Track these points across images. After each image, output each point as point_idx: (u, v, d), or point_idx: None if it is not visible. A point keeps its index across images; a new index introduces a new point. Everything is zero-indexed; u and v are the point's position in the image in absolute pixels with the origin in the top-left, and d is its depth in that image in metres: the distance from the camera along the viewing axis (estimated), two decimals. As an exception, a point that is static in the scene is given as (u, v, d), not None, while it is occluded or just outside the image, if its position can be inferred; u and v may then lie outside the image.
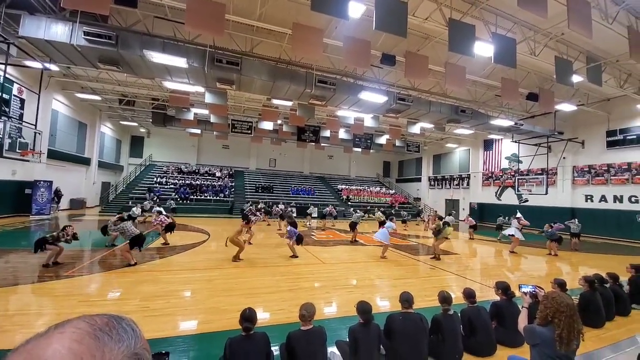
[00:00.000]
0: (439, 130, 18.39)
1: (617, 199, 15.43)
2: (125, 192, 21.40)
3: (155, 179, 22.96)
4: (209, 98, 11.73)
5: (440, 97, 13.81)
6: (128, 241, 6.66)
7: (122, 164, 26.33)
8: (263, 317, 4.21)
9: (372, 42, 8.35)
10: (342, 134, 19.85)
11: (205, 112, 16.31)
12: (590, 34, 7.13)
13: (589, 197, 16.77)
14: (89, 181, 20.49)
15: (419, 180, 30.88)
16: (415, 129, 16.03)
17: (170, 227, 9.50)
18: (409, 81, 12.56)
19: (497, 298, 3.85)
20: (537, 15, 6.84)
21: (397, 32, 6.84)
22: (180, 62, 8.56)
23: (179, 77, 10.10)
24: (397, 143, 21.65)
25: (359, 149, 21.76)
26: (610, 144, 15.84)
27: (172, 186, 22.40)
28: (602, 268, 7.67)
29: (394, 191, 31.03)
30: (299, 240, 8.24)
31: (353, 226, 11.75)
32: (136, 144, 27.16)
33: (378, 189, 30.15)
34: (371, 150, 23.18)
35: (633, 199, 14.79)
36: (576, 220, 12.23)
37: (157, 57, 8.34)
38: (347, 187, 28.88)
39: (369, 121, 15.62)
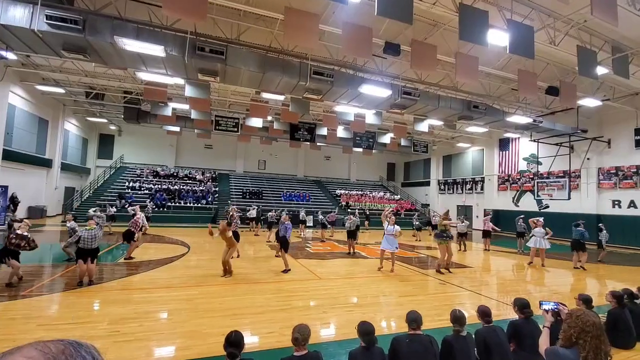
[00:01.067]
0: (449, 128, 18.56)
1: (648, 204, 15.68)
2: (92, 198, 21.19)
3: (127, 184, 22.78)
4: (189, 91, 11.71)
5: (451, 91, 13.96)
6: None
7: (89, 167, 26.09)
8: (251, 341, 4.19)
9: (374, 30, 8.43)
10: (341, 132, 19.92)
11: (186, 107, 16.28)
12: (616, 21, 7.29)
13: (616, 202, 17.01)
14: (50, 186, 20.23)
15: (428, 184, 31.08)
16: (423, 126, 16.16)
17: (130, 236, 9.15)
18: (416, 73, 12.69)
19: (516, 317, 3.87)
20: (558, 0, 6.98)
21: (402, 18, 6.93)
22: (157, 50, 8.54)
23: (155, 68, 10.07)
24: (403, 142, 21.79)
25: (360, 149, 21.85)
26: (640, 143, 16.15)
27: (147, 191, 22.24)
28: (631, 282, 7.77)
29: (399, 197, 31.17)
30: (284, 245, 8.27)
31: (351, 235, 11.72)
32: (105, 144, 26.95)
33: (382, 194, 30.27)
34: (373, 151, 23.28)
35: (665, 204, 15.06)
36: (603, 227, 12.26)
37: (130, 45, 8.31)
38: (346, 192, 28.95)
39: (370, 118, 15.71)
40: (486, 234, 14.06)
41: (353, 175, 34.10)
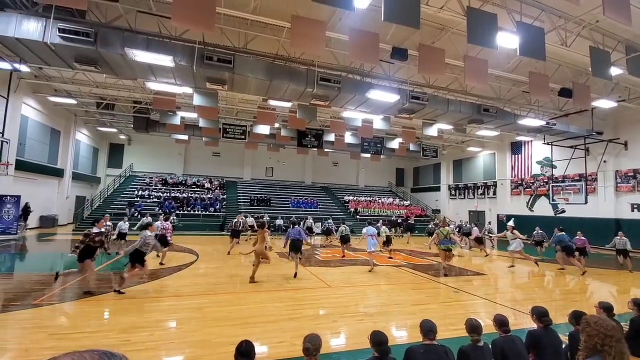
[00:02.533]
0: (459, 132, 18.43)
1: (670, 208, 15.21)
2: (102, 207, 21.56)
3: (136, 192, 23.14)
4: (197, 100, 11.93)
5: (460, 95, 13.89)
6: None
7: (100, 176, 26.64)
8: (261, 351, 4.16)
9: (381, 35, 8.49)
10: (349, 138, 19.96)
11: (194, 115, 16.57)
12: (629, 21, 7.19)
13: (635, 206, 16.55)
14: (62, 195, 20.70)
15: (438, 189, 30.76)
16: (432, 130, 16.07)
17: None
18: (424, 77, 12.68)
19: (534, 326, 3.77)
20: (569, 1, 6.93)
21: (409, 22, 6.96)
22: (166, 60, 8.75)
23: (164, 77, 10.31)
24: (412, 147, 21.70)
25: (368, 155, 21.83)
26: (658, 145, 15.74)
27: (156, 199, 22.55)
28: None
29: (409, 202, 30.91)
30: (295, 249, 8.61)
31: (344, 240, 12.33)
32: (115, 153, 27.54)
33: (391, 200, 30.09)
34: (382, 156, 23.24)
35: (688, 208, 14.58)
36: (621, 233, 11.87)
37: (141, 56, 8.54)
38: (354, 198, 28.85)
39: (378, 123, 15.71)
40: (478, 240, 14.41)
41: (361, 181, 34.01)
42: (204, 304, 6.14)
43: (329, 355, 4.05)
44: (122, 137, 26.96)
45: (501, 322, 3.43)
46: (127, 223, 11.94)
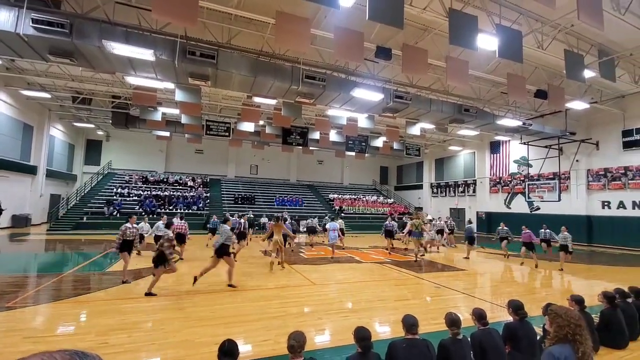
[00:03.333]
0: (441, 132, 18.81)
1: (637, 204, 16.06)
2: (79, 205, 20.79)
3: (115, 190, 22.42)
4: (179, 96, 11.65)
5: (442, 95, 14.18)
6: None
7: (76, 173, 25.62)
8: (245, 349, 4.13)
9: (365, 34, 8.54)
10: (334, 136, 20.01)
11: (176, 111, 16.16)
12: (602, 26, 7.52)
13: (605, 203, 17.39)
14: (35, 194, 19.79)
15: (421, 187, 31.34)
16: (415, 130, 16.34)
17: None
18: (407, 77, 12.86)
19: (511, 319, 3.91)
20: (545, 5, 7.18)
21: (393, 22, 7.04)
22: (146, 54, 8.49)
23: (144, 72, 10.00)
24: (395, 146, 21.98)
25: (353, 153, 21.96)
26: (627, 145, 16.56)
27: (136, 198, 21.92)
28: (621, 282, 7.91)
29: (392, 200, 31.34)
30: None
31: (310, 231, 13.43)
32: (93, 150, 26.54)
33: (375, 197, 30.40)
34: (366, 155, 23.43)
35: (653, 205, 15.43)
36: (564, 228, 10.95)
37: (119, 49, 8.24)
38: (339, 196, 28.98)
39: (363, 121, 15.83)
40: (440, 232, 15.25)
41: (346, 179, 34.20)
42: (186, 304, 6.03)
43: (314, 352, 4.06)
44: (100, 133, 26.00)
45: (479, 316, 3.54)
46: (147, 224, 11.79)
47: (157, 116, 16.24)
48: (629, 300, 5.06)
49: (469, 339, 3.41)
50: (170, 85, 12.17)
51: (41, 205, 20.70)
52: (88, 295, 6.38)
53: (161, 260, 6.47)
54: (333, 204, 27.42)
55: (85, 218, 19.18)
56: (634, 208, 16.17)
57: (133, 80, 11.25)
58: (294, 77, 10.41)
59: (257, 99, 13.15)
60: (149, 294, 6.41)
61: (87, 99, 16.91)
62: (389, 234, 13.70)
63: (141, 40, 8.53)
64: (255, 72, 9.91)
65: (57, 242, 14.17)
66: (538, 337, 3.83)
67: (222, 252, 7.15)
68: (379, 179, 36.18)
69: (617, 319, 4.52)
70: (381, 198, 30.98)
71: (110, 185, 23.32)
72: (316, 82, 10.52)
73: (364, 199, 29.37)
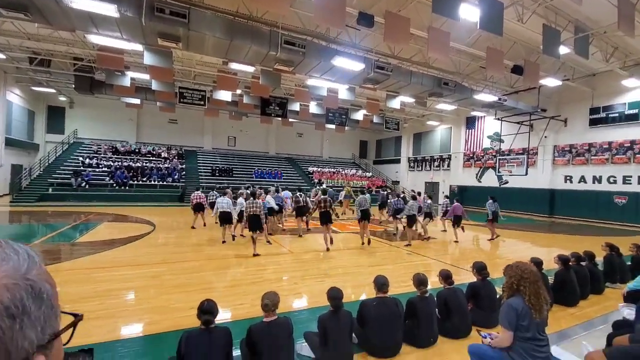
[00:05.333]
0: (420, 106, 18.89)
1: (597, 179, 17.14)
2: (43, 176, 19.65)
3: (82, 160, 21.28)
4: (148, 59, 10.87)
5: (422, 68, 14.08)
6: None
7: (38, 142, 23.96)
8: (222, 314, 4.17)
9: (347, -2, 8.18)
10: (314, 108, 19.64)
11: (146, 77, 15.16)
12: (580, 0, 7.57)
13: (568, 177, 18.45)
14: (-7, 163, 18.47)
15: (399, 161, 31.87)
16: (395, 103, 16.29)
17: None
18: (389, 48, 12.61)
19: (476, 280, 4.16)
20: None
21: (376, -15, 6.74)
22: (109, 9, 7.76)
23: (108, 30, 9.20)
24: (375, 119, 21.95)
25: (333, 126, 21.77)
26: (593, 122, 17.37)
27: (106, 169, 20.97)
28: (578, 249, 8.57)
29: (371, 174, 31.79)
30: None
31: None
32: (55, 117, 24.72)
33: (354, 171, 30.69)
34: (346, 128, 23.34)
35: (612, 179, 16.52)
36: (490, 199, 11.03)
37: (78, 2, 7.47)
38: (319, 169, 29.03)
39: (343, 93, 15.56)
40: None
41: (326, 152, 34.13)
42: (162, 272, 5.99)
43: (291, 313, 4.18)
44: (63, 98, 24.14)
45: (446, 276, 3.74)
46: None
47: (125, 81, 15.20)
48: (583, 263, 5.52)
49: (435, 298, 3.62)
50: (138, 47, 11.30)
51: (2, 175, 19.40)
52: (57, 265, 6.18)
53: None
54: (312, 176, 27.49)
55: (50, 189, 18.22)
56: (593, 182, 17.26)
57: (96, 39, 10.31)
58: (272, 42, 9.94)
59: (233, 66, 12.51)
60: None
61: (45, 60, 15.44)
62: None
63: (103, -7, 7.75)
64: (231, 34, 9.35)
65: (22, 214, 13.47)
66: (498, 296, 4.12)
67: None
68: (358, 153, 36.38)
69: (570, 280, 4.92)
70: (360, 171, 31.33)
71: (77, 155, 22.05)
72: (295, 49, 10.11)
73: (343, 172, 29.59)
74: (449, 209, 10.76)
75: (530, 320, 2.39)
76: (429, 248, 9.08)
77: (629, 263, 6.11)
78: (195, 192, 11.46)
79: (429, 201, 11.38)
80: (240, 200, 9.47)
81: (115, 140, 25.22)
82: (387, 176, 32.48)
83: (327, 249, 8.13)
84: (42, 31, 12.73)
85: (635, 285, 4.19)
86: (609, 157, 16.51)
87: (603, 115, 17.00)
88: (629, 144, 15.85)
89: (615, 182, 16.39)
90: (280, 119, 19.73)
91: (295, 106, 19.10)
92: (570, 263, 5.13)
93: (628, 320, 3.54)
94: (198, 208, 11.09)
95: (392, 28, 8.65)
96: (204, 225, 11.27)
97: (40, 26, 11.33)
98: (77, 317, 0.62)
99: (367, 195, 9.39)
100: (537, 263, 4.66)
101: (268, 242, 8.91)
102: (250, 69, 12.91)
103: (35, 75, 18.38)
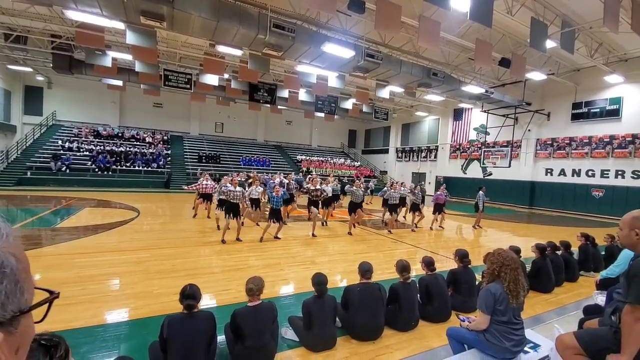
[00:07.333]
0: (409, 96, 18.92)
1: (576, 172, 17.72)
2: (20, 160, 18.92)
3: (62, 143, 20.53)
4: (131, 38, 10.44)
5: (412, 57, 14.04)
6: None
7: (15, 124, 22.90)
8: (207, 300, 4.18)
9: (338, -18, 8.00)
10: (303, 95, 19.42)
11: (128, 57, 14.58)
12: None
13: (549, 170, 19.00)
14: (-34, 144, 17.60)
15: (387, 151, 32.06)
16: (385, 92, 16.26)
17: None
18: (380, 35, 12.49)
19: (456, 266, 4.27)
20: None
21: (367, -30, 6.61)
22: (88, -16, 7.37)
23: (86, 6, 8.74)
24: (365, 109, 21.90)
25: (322, 114, 21.60)
26: (575, 117, 17.83)
27: (87, 153, 20.32)
28: (554, 239, 8.90)
29: (359, 163, 31.91)
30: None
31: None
32: (33, 98, 23.60)
33: (342, 160, 30.73)
34: (336, 116, 23.19)
35: (590, 172, 17.11)
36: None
37: (54, -25, 7.06)
38: (307, 158, 28.93)
39: (333, 81, 15.41)
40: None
41: (314, 141, 33.98)
42: (145, 258, 5.91)
43: (276, 298, 4.22)
44: (40, 78, 23.02)
45: (428, 263, 3.82)
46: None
47: (107, 61, 14.56)
48: (559, 252, 5.74)
49: (417, 283, 3.71)
50: (120, 25, 10.82)
51: (-25, 157, 18.56)
52: (39, 250, 6.02)
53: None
54: (301, 165, 27.39)
55: (29, 173, 17.59)
56: (572, 175, 17.84)
57: (74, 15, 9.77)
58: (261, 25, 9.68)
59: (220, 49, 12.16)
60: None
61: (21, 37, 14.62)
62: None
63: (81, -34, 7.35)
64: (218, 15, 9.04)
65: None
66: (477, 282, 4.25)
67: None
68: (347, 142, 36.38)
69: (546, 267, 5.13)
70: (348, 161, 31.41)
71: (56, 138, 21.27)
72: (285, 33, 9.89)
73: (332, 161, 29.60)
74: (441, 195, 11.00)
75: (506, 305, 2.48)
76: (415, 236, 9.25)
77: (603, 253, 6.39)
78: (205, 182, 10.17)
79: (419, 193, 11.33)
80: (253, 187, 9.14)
81: (97, 123, 24.39)
82: (375, 166, 32.68)
83: (313, 235, 8.24)
84: (17, 5, 12.00)
85: (607, 274, 4.40)
86: (589, 151, 17.05)
87: (585, 110, 17.45)
88: (608, 139, 16.37)
89: (593, 175, 16.98)
90: (269, 105, 19.42)
91: (285, 93, 18.81)
92: (546, 252, 5.33)
93: (599, 305, 3.72)
94: (205, 197, 10.29)
95: (383, 15, 8.56)
96: (208, 217, 10.25)
97: (15, 0, 10.69)
98: (53, 295, 0.60)
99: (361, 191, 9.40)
100: (516, 251, 4.81)
101: (257, 224, 9.26)
102: (238, 52, 12.59)
103: (11, 53, 17.42)
